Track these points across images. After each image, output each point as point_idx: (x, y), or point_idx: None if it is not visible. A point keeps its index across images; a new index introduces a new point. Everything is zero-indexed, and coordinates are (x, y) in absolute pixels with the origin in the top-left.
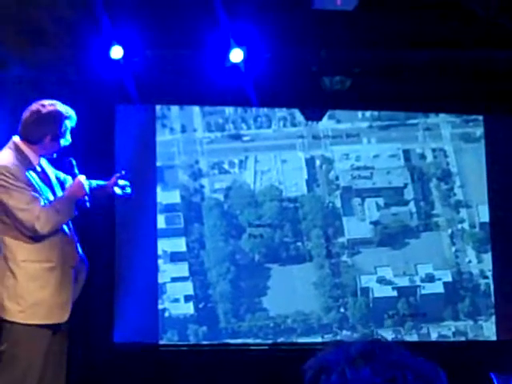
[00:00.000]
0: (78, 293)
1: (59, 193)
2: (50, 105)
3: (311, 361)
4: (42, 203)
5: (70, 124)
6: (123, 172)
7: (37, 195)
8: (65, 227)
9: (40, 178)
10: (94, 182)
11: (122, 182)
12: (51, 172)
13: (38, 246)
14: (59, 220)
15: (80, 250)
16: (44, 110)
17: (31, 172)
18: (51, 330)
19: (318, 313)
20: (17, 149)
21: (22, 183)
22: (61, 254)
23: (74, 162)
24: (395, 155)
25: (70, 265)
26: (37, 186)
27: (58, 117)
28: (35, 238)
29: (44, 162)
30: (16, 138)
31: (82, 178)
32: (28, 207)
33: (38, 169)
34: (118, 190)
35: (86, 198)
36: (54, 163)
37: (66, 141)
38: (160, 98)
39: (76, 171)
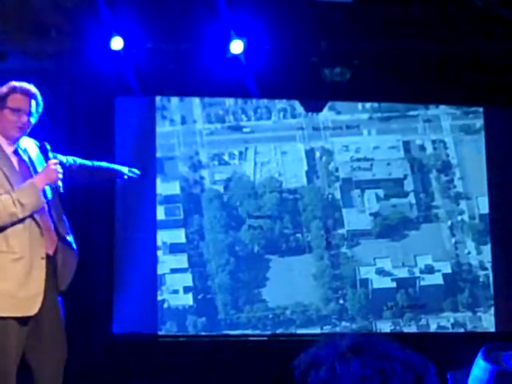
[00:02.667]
0: (67, 282)
1: None
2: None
3: (301, 356)
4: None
5: (26, 97)
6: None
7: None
8: (36, 216)
9: (12, 165)
10: (99, 163)
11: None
12: (36, 158)
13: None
14: (17, 210)
15: (68, 238)
16: None
17: (1, 159)
18: (20, 322)
19: (317, 304)
20: None
21: None
22: (29, 244)
23: (48, 147)
24: (395, 147)
25: (40, 256)
26: (2, 175)
27: (8, 87)
28: None
29: (31, 148)
30: None
31: (52, 162)
32: None
33: (13, 157)
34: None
35: (60, 183)
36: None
37: (28, 118)
38: (160, 90)
39: (50, 155)
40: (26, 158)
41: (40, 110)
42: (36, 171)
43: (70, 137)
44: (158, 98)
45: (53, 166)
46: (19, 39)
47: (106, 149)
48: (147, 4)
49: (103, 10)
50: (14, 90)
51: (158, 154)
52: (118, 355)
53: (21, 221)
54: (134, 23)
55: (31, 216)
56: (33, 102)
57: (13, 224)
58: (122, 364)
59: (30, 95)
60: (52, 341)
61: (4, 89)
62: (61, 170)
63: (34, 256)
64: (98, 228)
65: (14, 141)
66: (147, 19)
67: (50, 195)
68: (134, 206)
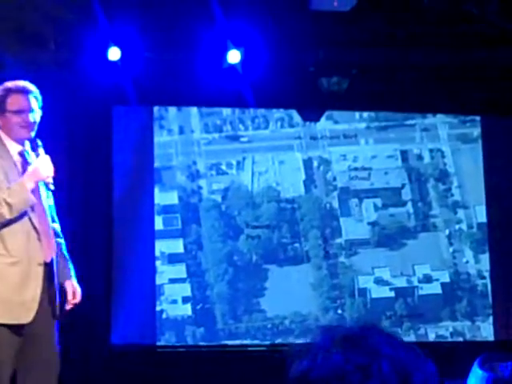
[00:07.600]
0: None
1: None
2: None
3: (296, 346)
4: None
5: (24, 96)
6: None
7: (2, 185)
8: (34, 220)
9: (14, 166)
10: None
11: None
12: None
13: None
14: (4, 211)
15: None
16: None
17: (5, 160)
18: (13, 331)
19: (316, 314)
20: None
21: None
22: (26, 249)
23: (39, 143)
24: (393, 156)
25: (37, 262)
26: (4, 175)
27: (4, 90)
28: None
29: (33, 154)
30: None
31: (43, 158)
32: None
33: (17, 157)
34: None
35: (50, 180)
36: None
37: (31, 116)
38: (158, 100)
39: (40, 152)
40: (30, 160)
41: (41, 104)
42: None
43: (68, 147)
44: (155, 108)
45: (43, 163)
46: (17, 50)
47: (103, 159)
48: (144, 14)
49: (100, 20)
50: (9, 91)
51: (156, 164)
52: (116, 366)
53: (18, 223)
54: (131, 34)
55: (29, 219)
56: (32, 99)
57: (5, 225)
58: (121, 375)
59: (27, 92)
60: (44, 357)
61: (2, 89)
62: (52, 167)
63: (31, 261)
64: (96, 238)
65: (23, 142)
66: (144, 29)
67: (47, 196)
68: (132, 215)
